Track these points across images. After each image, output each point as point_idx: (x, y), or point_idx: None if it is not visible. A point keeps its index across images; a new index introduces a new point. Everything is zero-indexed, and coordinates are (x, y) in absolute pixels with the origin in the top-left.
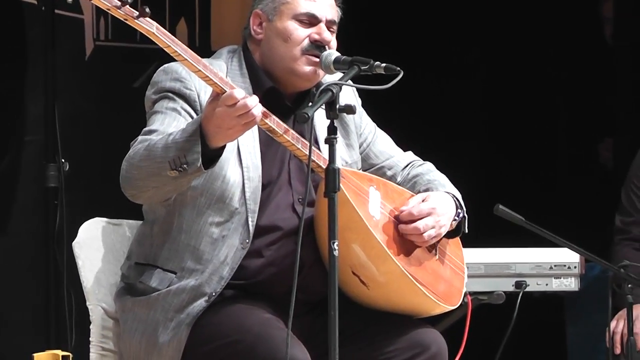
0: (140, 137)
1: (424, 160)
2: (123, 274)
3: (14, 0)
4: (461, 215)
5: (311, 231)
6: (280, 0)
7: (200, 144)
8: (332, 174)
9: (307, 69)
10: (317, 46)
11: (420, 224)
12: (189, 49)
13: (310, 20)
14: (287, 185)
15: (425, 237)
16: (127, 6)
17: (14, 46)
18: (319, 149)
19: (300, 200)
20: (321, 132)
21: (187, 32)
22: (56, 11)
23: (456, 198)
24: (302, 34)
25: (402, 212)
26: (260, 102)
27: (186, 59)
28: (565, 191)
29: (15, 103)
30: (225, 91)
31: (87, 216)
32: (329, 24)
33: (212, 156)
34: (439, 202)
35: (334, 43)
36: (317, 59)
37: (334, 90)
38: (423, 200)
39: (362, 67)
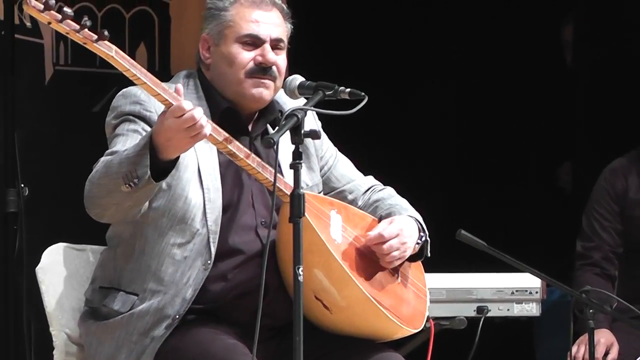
0: (101, 158)
1: (385, 184)
2: (87, 299)
3: None
4: (424, 238)
5: (274, 255)
6: (224, 23)
7: (149, 157)
8: (297, 199)
9: (254, 91)
10: (262, 68)
11: (386, 246)
12: (148, 73)
13: (254, 42)
14: (250, 207)
15: (390, 259)
16: (86, 30)
17: None
18: (281, 172)
19: (263, 223)
20: (283, 155)
21: (146, 56)
22: (16, 36)
23: (419, 222)
24: (246, 57)
25: (369, 235)
26: (218, 122)
27: (145, 83)
28: (526, 215)
29: None
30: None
31: (47, 241)
32: (275, 42)
33: (164, 169)
34: (404, 225)
35: (282, 61)
36: (265, 80)
37: (299, 116)
38: (390, 223)
39: (327, 93)
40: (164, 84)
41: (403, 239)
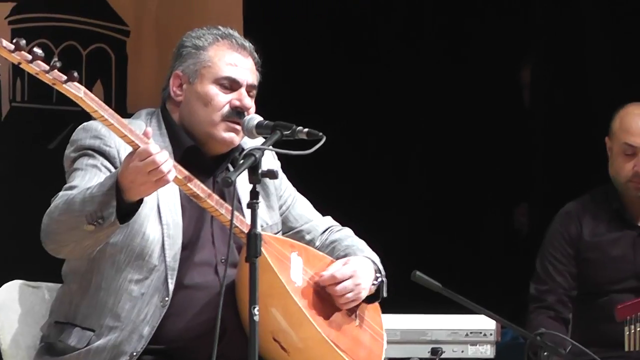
0: (60, 193)
1: (343, 225)
2: (43, 335)
3: None
4: (380, 279)
5: (233, 294)
6: (201, 63)
7: (115, 199)
8: (253, 239)
9: (226, 135)
10: (238, 112)
11: (339, 287)
12: (115, 114)
13: (232, 85)
14: (209, 244)
15: (344, 301)
16: (56, 70)
17: None
18: (241, 211)
19: (223, 261)
20: (243, 194)
21: (103, 93)
22: None
23: (375, 262)
24: (222, 99)
25: (322, 276)
26: (180, 161)
27: (113, 124)
28: (482, 256)
29: None
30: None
31: (1, 279)
32: (250, 88)
33: (128, 210)
34: (359, 266)
35: (253, 108)
36: (237, 125)
37: (257, 155)
38: (344, 264)
39: (285, 132)
40: (130, 124)
41: (357, 280)
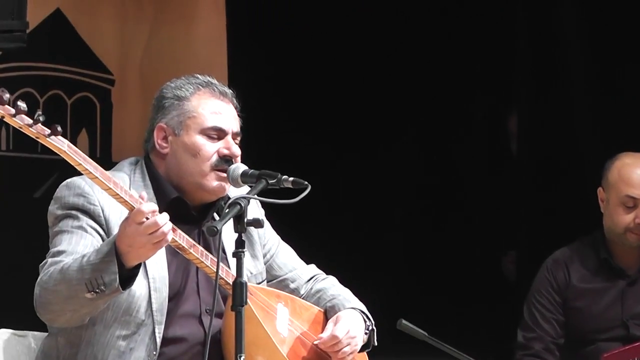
0: (49, 260)
1: (327, 273)
2: None
3: None
4: (370, 328)
5: (219, 344)
6: (185, 114)
7: (116, 264)
8: (239, 287)
9: (216, 184)
10: (226, 160)
11: (338, 346)
12: (99, 167)
13: (218, 134)
14: (194, 295)
15: (342, 356)
16: (39, 124)
17: None
18: (226, 261)
19: (207, 311)
20: (228, 243)
21: (88, 141)
22: None
23: (363, 312)
24: (210, 149)
25: (321, 339)
26: (164, 211)
27: (97, 177)
28: (469, 304)
29: None
30: (135, 208)
31: None
32: (234, 135)
33: (127, 276)
34: (350, 321)
35: (239, 155)
36: (225, 174)
37: (242, 204)
38: (336, 323)
39: (270, 181)
40: (114, 177)
41: (352, 333)
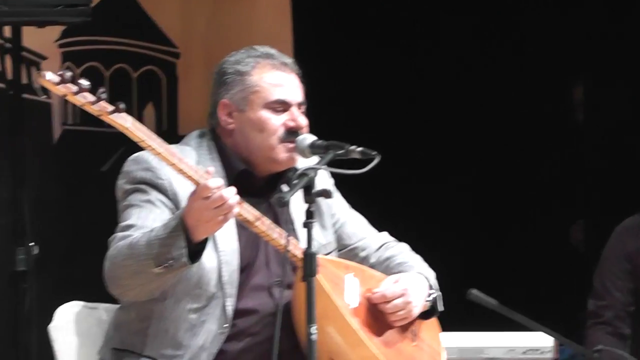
0: (119, 234)
1: (400, 241)
2: (101, 359)
3: None
4: (433, 295)
5: (289, 315)
6: (248, 89)
7: (184, 239)
8: (309, 258)
9: (285, 155)
10: (293, 132)
11: (390, 305)
12: (164, 143)
13: (283, 107)
14: (264, 267)
15: (395, 318)
16: (102, 102)
17: None
18: (294, 232)
19: (277, 283)
20: (296, 214)
21: (154, 115)
22: (24, 95)
23: (428, 279)
24: (276, 122)
25: (374, 294)
26: (232, 185)
27: (161, 154)
28: (539, 273)
29: None
30: (200, 183)
31: (56, 300)
32: (299, 105)
33: (196, 250)
34: (410, 284)
35: (304, 121)
36: (293, 144)
37: (311, 175)
38: (395, 282)
39: (338, 152)
40: (175, 150)
41: (408, 298)
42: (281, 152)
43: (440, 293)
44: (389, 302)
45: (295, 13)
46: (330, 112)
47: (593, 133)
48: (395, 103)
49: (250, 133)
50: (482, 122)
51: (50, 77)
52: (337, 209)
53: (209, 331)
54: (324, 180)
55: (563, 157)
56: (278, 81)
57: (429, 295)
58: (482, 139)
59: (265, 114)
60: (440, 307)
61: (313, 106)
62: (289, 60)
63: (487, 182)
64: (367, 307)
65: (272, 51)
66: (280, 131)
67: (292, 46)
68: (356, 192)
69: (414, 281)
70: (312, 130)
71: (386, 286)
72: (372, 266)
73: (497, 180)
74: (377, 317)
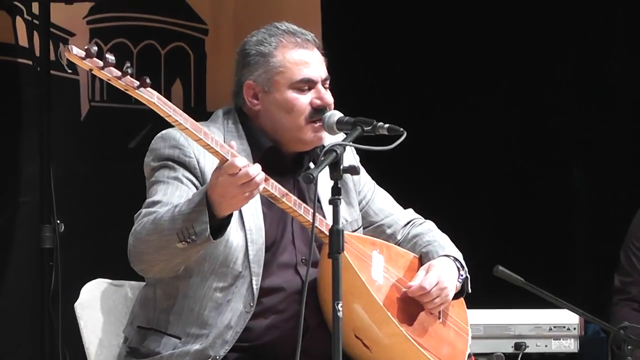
0: (144, 210)
1: (425, 218)
2: (126, 337)
3: (9, 61)
4: (463, 277)
5: (315, 293)
6: (272, 70)
7: (207, 214)
8: (336, 234)
9: (313, 135)
10: (320, 110)
11: (427, 297)
12: (189, 118)
13: (309, 85)
14: (290, 245)
15: (433, 306)
16: (128, 77)
17: (9, 106)
18: (321, 209)
19: (303, 260)
20: (322, 191)
21: (182, 92)
22: (51, 72)
23: (457, 259)
24: (304, 102)
25: (410, 288)
26: (259, 162)
27: (187, 128)
28: (564, 249)
29: (10, 163)
30: (227, 159)
31: (83, 277)
32: (324, 81)
33: (219, 225)
34: (443, 270)
35: (330, 97)
36: (320, 122)
37: (338, 151)
38: (428, 271)
39: (365, 128)
40: (203, 126)
41: (442, 284)
42: (309, 132)
43: (469, 276)
44: (426, 293)
45: None
46: (358, 90)
47: (623, 110)
48: (425, 81)
49: (277, 114)
50: (513, 98)
51: (76, 51)
52: (364, 185)
53: (234, 310)
54: (350, 157)
55: (590, 134)
56: (302, 59)
57: (460, 276)
58: (510, 114)
59: (292, 94)
60: (468, 289)
61: (340, 85)
62: (311, 34)
63: (516, 157)
64: (392, 285)
65: (293, 27)
66: (308, 110)
67: (321, 22)
68: (379, 169)
69: (446, 267)
70: (339, 108)
71: (422, 277)
72: (399, 243)
73: (526, 157)
74: (403, 295)
